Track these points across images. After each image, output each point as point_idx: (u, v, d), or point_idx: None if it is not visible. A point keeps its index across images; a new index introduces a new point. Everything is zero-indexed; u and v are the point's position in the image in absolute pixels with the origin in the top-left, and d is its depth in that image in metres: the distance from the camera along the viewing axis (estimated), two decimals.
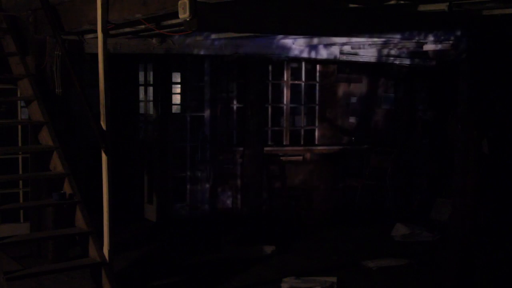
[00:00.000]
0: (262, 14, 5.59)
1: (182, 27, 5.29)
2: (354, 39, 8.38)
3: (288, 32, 7.22)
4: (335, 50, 9.37)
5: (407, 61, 9.95)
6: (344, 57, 9.46)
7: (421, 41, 7.65)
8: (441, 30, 7.33)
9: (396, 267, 7.25)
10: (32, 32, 7.02)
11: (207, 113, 9.55)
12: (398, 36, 7.14)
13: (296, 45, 8.94)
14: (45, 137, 6.41)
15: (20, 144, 7.86)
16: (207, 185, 9.57)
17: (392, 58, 9.82)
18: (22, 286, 5.93)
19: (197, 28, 4.80)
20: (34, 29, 7.00)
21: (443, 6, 5.28)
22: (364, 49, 9.43)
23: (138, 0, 5.26)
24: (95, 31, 5.75)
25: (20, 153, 7.87)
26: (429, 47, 7.92)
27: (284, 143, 10.23)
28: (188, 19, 4.68)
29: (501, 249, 7.89)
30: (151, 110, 9.50)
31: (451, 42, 7.67)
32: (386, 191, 10.15)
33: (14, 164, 7.85)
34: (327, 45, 9.12)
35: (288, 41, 8.77)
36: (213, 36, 7.66)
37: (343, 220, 9.47)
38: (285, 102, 10.21)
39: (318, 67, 10.27)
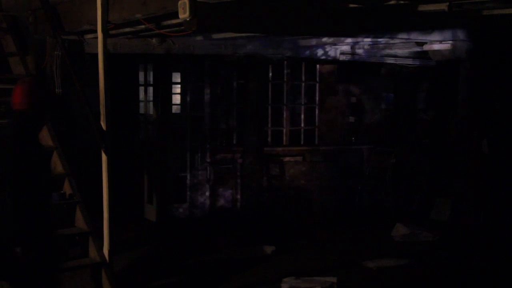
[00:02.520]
0: (262, 14, 5.59)
1: (182, 27, 5.30)
2: (354, 39, 8.40)
3: (288, 32, 7.23)
4: (335, 50, 9.38)
5: (407, 61, 9.95)
6: (344, 57, 9.47)
7: (421, 41, 7.66)
8: (441, 30, 7.34)
9: (396, 267, 7.24)
10: (32, 32, 7.02)
11: (207, 113, 9.54)
12: (398, 36, 7.16)
13: (296, 45, 8.95)
14: (45, 137, 6.41)
15: None
16: (207, 185, 9.56)
17: (392, 58, 9.83)
18: None
19: (197, 28, 4.81)
20: (34, 29, 7.00)
21: (443, 6, 5.30)
22: (364, 49, 9.45)
23: (138, 0, 5.27)
24: (95, 31, 5.75)
25: None
26: (429, 47, 7.92)
27: (284, 143, 10.22)
28: (188, 19, 4.69)
29: (501, 249, 7.88)
30: (151, 110, 9.50)
31: (451, 42, 7.68)
32: (386, 191, 10.14)
33: None
34: (327, 45, 9.13)
35: (288, 41, 8.78)
36: (213, 36, 7.66)
37: (343, 220, 9.46)
38: (285, 102, 10.22)
39: (318, 67, 10.26)
